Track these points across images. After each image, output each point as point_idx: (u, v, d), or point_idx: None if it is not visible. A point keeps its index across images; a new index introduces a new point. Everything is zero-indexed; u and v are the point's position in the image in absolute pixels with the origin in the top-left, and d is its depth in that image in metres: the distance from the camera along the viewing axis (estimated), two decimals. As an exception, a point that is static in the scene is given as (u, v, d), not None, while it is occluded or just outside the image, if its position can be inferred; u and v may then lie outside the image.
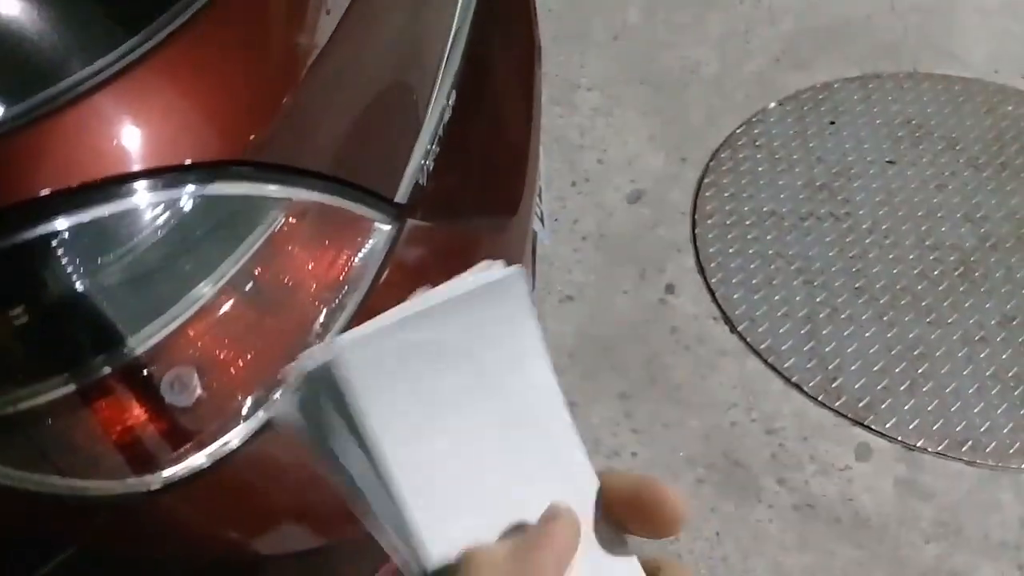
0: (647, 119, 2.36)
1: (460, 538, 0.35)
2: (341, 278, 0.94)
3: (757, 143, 2.24)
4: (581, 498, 0.38)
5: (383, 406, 0.35)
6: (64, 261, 0.74)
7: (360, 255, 0.96)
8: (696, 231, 2.08)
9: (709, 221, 2.09)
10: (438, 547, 0.35)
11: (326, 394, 0.35)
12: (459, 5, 1.22)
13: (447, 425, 0.36)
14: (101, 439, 0.80)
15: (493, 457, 0.37)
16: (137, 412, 0.82)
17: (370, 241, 0.97)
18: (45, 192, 0.73)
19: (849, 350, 1.83)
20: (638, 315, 1.95)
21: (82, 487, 0.76)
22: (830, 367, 1.80)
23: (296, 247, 0.88)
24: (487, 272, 0.38)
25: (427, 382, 0.36)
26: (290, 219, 0.85)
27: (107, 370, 0.78)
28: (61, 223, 0.73)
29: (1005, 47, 2.45)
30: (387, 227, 0.99)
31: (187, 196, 0.78)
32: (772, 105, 2.33)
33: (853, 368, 1.80)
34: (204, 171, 0.80)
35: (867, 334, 1.85)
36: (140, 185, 0.77)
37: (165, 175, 0.78)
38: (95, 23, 0.78)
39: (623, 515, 0.38)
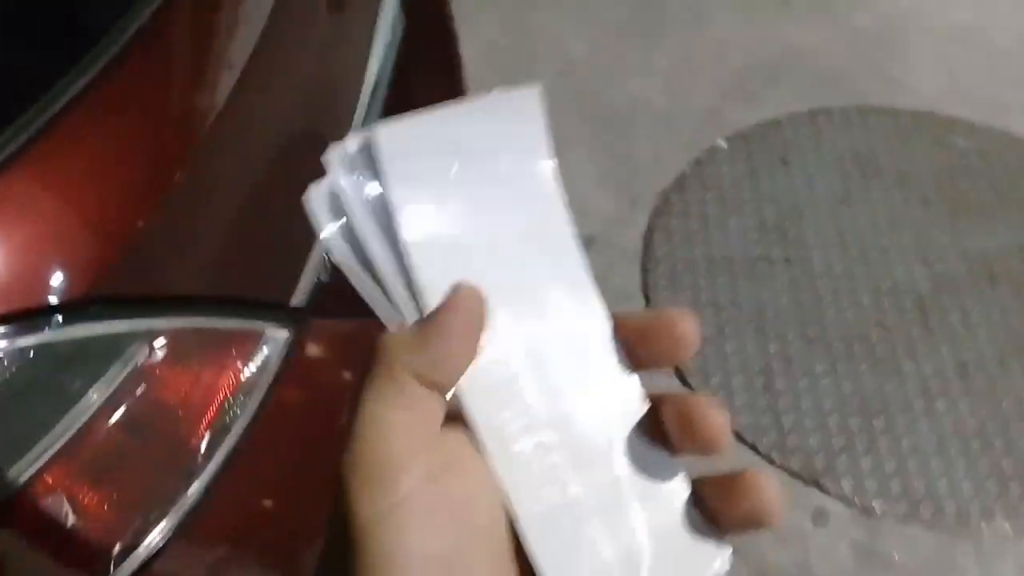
0: (596, 158, 2.28)
1: None
2: (227, 395, 0.85)
3: (707, 184, 2.17)
4: (596, 327, 0.39)
5: (411, 188, 0.38)
6: None
7: (249, 368, 0.87)
8: (647, 279, 2.00)
9: (660, 268, 2.02)
10: None
11: (362, 174, 0.38)
12: (375, 58, 1.14)
13: (468, 223, 0.38)
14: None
15: (508, 264, 0.39)
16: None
17: (262, 351, 0.88)
18: None
19: (804, 405, 1.76)
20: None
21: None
22: (785, 424, 1.73)
23: (168, 372, 0.79)
24: (510, 91, 0.41)
25: (452, 178, 0.39)
26: (155, 347, 0.76)
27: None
28: None
29: (956, 76, 2.41)
30: (283, 333, 0.90)
31: (36, 343, 0.69)
32: (721, 142, 2.27)
33: (808, 425, 1.73)
34: (52, 315, 0.70)
35: (822, 385, 1.79)
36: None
37: (10, 324, 0.68)
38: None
39: (637, 345, 0.38)
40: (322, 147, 1.18)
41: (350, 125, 1.09)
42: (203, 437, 0.84)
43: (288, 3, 0.94)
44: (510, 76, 2.44)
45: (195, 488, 0.85)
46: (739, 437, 1.72)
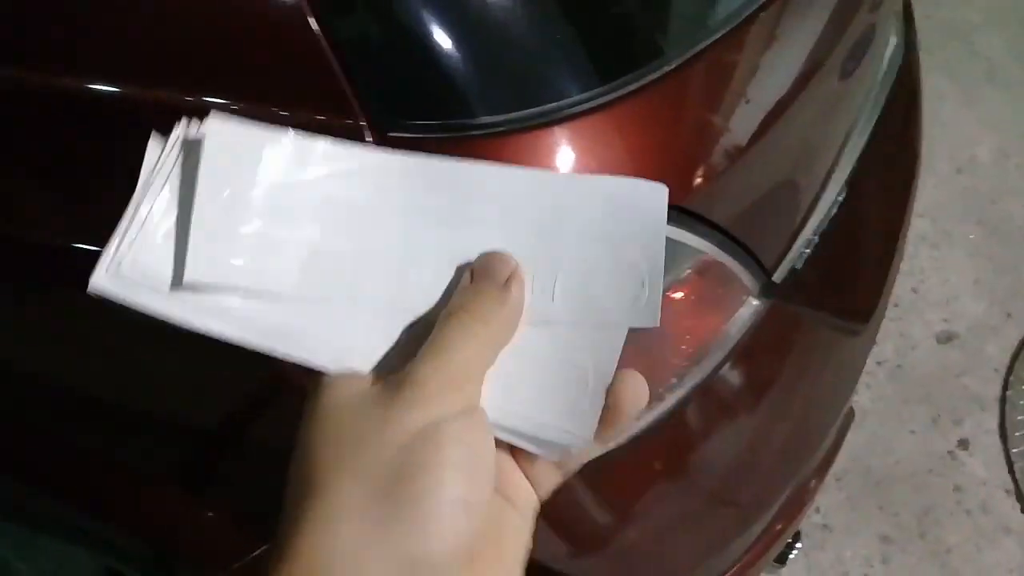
0: (976, 262, 2.22)
1: None
2: (708, 338, 0.96)
3: (1099, 321, 2.05)
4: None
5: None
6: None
7: (731, 322, 0.97)
8: (1007, 393, 1.92)
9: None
10: None
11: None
12: (865, 108, 1.22)
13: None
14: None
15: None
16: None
17: (741, 312, 0.98)
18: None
19: None
20: (921, 460, 1.83)
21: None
22: None
23: (687, 297, 0.90)
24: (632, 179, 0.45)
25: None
26: (692, 270, 0.87)
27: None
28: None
29: None
30: (757, 302, 0.99)
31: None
32: (1125, 285, 2.12)
33: None
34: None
35: None
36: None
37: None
38: (585, 61, 0.82)
39: None
40: (809, 173, 1.23)
41: (833, 168, 1.14)
42: (681, 366, 0.94)
43: (817, 70, 1.01)
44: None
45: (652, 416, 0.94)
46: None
